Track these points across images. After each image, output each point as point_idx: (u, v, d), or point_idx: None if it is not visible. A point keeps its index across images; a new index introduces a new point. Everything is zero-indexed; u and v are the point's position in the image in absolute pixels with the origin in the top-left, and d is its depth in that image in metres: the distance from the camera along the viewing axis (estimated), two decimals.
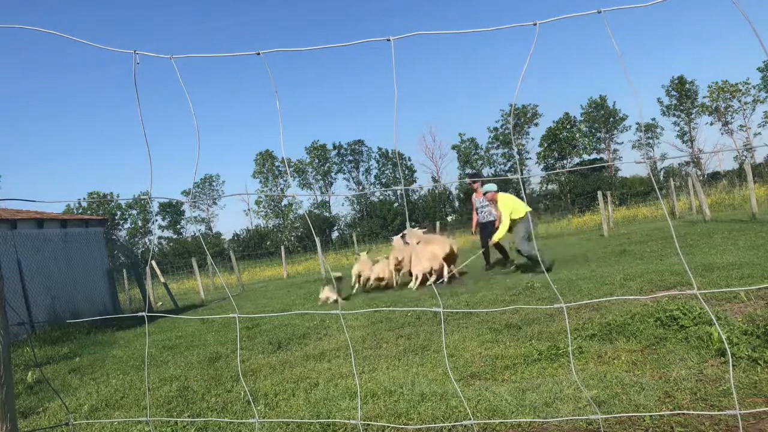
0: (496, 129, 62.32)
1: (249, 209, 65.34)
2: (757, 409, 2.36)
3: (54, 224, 12.66)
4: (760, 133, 56.10)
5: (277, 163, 63.95)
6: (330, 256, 31.23)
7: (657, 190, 2.02)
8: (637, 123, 58.62)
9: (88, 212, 55.10)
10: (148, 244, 62.61)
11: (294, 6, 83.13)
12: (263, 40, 79.09)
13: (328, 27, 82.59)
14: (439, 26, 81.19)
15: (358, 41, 1.98)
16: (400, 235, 10.30)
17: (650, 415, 2.45)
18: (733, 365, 2.90)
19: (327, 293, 8.98)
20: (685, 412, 2.44)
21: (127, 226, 63.67)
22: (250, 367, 4.74)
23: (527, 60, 1.94)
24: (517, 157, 61.09)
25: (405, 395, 3.22)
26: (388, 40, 1.86)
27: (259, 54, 1.95)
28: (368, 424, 2.85)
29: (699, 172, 52.74)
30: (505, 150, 61.97)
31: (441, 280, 9.19)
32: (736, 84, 56.13)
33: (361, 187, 64.04)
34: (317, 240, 13.16)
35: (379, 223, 54.41)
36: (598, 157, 60.35)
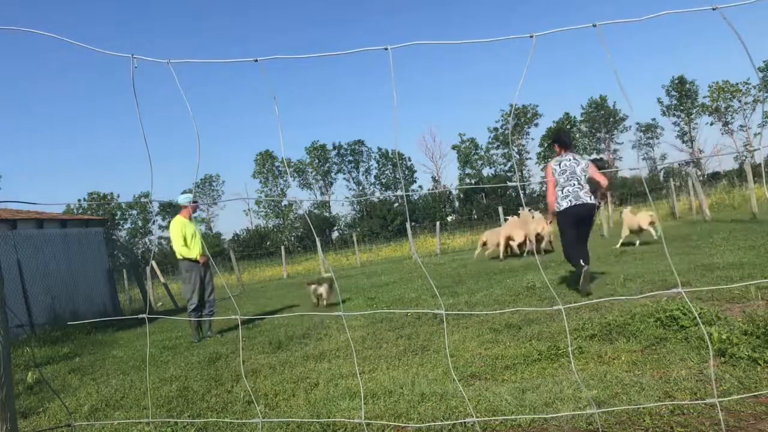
0: (496, 129, 62.37)
1: (249, 209, 65.40)
2: (757, 409, 2.36)
3: (54, 224, 12.66)
4: (760, 133, 56.14)
5: (277, 164, 63.99)
6: (330, 257, 31.23)
7: (648, 194, 2.03)
8: (637, 123, 58.73)
9: (88, 212, 55.11)
10: (148, 244, 62.61)
11: (295, 5, 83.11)
12: (264, 39, 79.06)
13: (328, 25, 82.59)
14: (439, 27, 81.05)
15: (355, 50, 1.99)
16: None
17: (650, 415, 2.45)
18: (733, 365, 2.90)
19: (320, 290, 8.71)
20: (685, 412, 2.44)
21: (127, 226, 63.72)
22: (251, 367, 4.74)
23: (524, 70, 1.94)
24: (516, 157, 61.09)
25: (405, 395, 3.22)
26: (386, 49, 1.86)
27: (256, 61, 1.95)
28: (369, 423, 2.85)
29: (699, 173, 52.73)
30: (505, 150, 62.00)
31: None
32: (737, 84, 56.17)
33: (361, 188, 64.06)
34: (317, 240, 13.20)
35: (379, 223, 54.38)
36: (598, 157, 60.37)
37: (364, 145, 65.85)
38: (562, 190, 6.01)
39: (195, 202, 7.50)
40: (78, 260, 13.05)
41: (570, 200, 5.93)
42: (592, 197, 6.04)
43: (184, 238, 7.05)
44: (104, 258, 14.59)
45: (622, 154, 62.65)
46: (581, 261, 5.76)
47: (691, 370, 2.95)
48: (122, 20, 79.68)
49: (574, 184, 5.93)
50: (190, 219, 7.24)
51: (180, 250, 7.05)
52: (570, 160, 6.02)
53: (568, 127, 60.43)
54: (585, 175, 5.99)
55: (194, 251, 7.08)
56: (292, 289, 14.43)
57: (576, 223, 6.01)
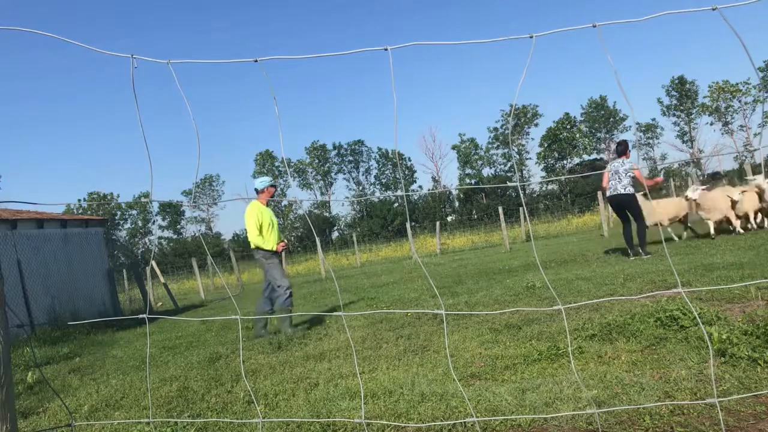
0: (496, 129, 62.39)
1: None
2: (757, 409, 2.36)
3: (54, 224, 12.65)
4: (760, 133, 56.14)
5: (277, 164, 63.98)
6: (330, 257, 31.22)
7: (648, 193, 2.04)
8: (637, 123, 58.71)
9: (89, 212, 55.14)
10: (148, 244, 62.61)
11: (295, 6, 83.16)
12: (263, 40, 79.10)
13: (329, 27, 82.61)
14: (439, 26, 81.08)
15: (355, 50, 1.98)
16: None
17: (650, 415, 2.45)
18: (733, 365, 2.90)
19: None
20: (685, 412, 2.44)
21: (127, 226, 63.74)
22: (251, 367, 4.74)
23: (524, 70, 1.94)
24: (516, 157, 61.09)
25: (405, 395, 3.22)
26: (386, 49, 1.86)
27: (256, 61, 1.94)
28: (369, 423, 2.85)
29: (699, 173, 52.73)
30: (505, 150, 62.06)
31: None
32: (737, 84, 56.15)
33: (361, 188, 64.08)
34: (317, 240, 13.16)
35: (379, 223, 54.40)
36: (598, 157, 60.41)
37: (364, 145, 65.92)
38: (609, 184, 8.60)
39: (273, 185, 6.48)
40: (78, 260, 13.05)
41: (611, 191, 8.55)
42: (628, 188, 8.41)
43: (260, 226, 6.18)
44: (104, 258, 14.59)
45: None
46: (630, 248, 8.54)
47: (691, 370, 2.95)
48: (122, 19, 79.72)
49: (617, 180, 8.48)
50: (267, 204, 6.41)
51: (255, 241, 6.19)
52: (617, 163, 8.62)
53: (567, 127, 60.54)
54: (627, 174, 8.42)
55: (271, 241, 6.24)
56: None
57: (617, 207, 8.68)
